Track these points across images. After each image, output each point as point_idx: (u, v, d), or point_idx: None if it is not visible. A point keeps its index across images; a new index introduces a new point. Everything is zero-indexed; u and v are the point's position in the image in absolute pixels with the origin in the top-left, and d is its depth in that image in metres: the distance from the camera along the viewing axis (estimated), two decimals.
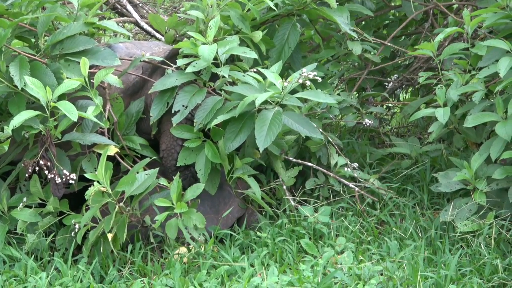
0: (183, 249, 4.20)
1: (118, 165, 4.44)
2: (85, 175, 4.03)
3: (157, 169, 4.16)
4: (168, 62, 4.56)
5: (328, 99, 4.43)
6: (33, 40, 4.49)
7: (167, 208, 4.10)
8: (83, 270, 3.98)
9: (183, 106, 4.39)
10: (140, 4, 5.97)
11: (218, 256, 4.16)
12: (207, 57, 4.29)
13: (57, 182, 4.10)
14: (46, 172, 4.10)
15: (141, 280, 3.90)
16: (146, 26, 5.53)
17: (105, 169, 3.95)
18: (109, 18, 5.56)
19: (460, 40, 5.26)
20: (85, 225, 4.07)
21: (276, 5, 4.99)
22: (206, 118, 4.37)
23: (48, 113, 3.93)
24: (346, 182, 4.84)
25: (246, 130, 4.32)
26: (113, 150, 4.18)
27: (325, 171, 4.89)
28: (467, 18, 4.64)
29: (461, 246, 4.24)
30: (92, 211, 4.00)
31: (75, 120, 3.84)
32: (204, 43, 4.43)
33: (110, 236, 3.99)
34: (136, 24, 5.68)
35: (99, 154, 4.12)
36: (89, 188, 3.94)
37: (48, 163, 4.08)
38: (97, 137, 4.20)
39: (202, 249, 4.17)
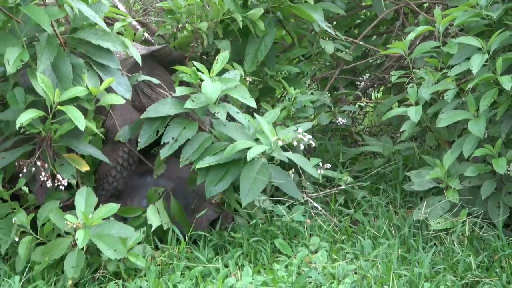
0: (156, 252, 4.19)
1: None
2: (81, 211, 3.88)
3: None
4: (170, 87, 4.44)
5: (314, 172, 4.24)
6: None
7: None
8: (56, 273, 3.94)
9: (173, 138, 4.19)
10: None
11: (192, 257, 4.14)
12: (210, 96, 4.05)
13: (48, 186, 3.93)
14: (42, 174, 3.91)
15: (115, 283, 3.88)
16: (123, 8, 5.44)
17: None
18: None
19: (431, 39, 5.29)
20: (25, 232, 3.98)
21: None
22: (193, 155, 4.17)
23: (50, 115, 3.81)
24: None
25: (230, 176, 4.14)
26: (85, 166, 4.05)
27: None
28: (438, 17, 4.67)
29: (435, 244, 4.27)
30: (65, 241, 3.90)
31: (83, 129, 3.72)
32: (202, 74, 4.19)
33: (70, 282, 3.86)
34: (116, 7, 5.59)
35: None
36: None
37: (46, 165, 3.93)
38: (94, 149, 4.07)
39: (176, 251, 4.16)
